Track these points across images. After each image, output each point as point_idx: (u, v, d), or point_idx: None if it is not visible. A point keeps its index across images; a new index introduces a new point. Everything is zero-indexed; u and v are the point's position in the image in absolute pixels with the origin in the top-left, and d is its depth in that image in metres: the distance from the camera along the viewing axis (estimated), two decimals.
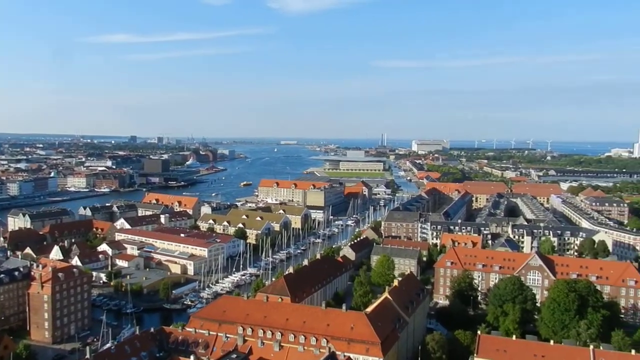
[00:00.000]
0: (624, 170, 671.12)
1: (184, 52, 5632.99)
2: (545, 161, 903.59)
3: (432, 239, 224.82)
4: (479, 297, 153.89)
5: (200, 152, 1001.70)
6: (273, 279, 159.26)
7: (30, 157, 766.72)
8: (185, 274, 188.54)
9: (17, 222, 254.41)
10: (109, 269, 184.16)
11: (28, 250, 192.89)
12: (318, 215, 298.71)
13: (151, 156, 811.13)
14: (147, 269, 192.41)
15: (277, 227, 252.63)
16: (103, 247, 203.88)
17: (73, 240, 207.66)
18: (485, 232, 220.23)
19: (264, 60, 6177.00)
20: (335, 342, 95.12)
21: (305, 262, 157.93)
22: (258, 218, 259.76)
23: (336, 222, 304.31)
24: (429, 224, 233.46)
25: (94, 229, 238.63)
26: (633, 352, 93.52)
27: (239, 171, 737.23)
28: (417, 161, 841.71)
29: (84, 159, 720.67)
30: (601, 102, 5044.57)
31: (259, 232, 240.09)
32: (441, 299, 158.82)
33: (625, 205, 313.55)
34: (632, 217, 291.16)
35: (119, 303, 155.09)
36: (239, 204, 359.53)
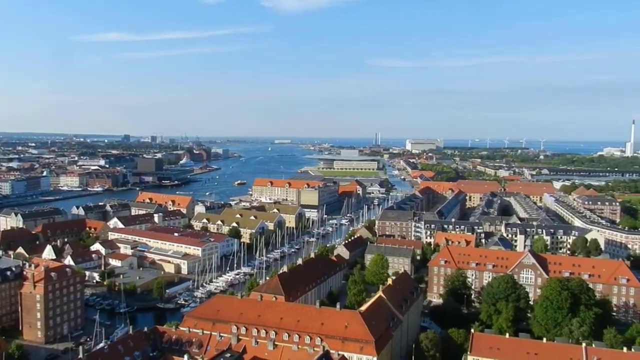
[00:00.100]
0: (616, 169, 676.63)
1: (178, 51, 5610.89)
2: (539, 160, 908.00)
3: (426, 237, 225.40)
4: (473, 296, 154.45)
5: (194, 151, 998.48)
6: (267, 278, 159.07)
7: (22, 156, 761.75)
8: (179, 273, 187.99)
9: (9, 221, 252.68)
10: (102, 268, 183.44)
11: (20, 249, 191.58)
12: (312, 214, 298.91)
13: (144, 155, 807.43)
14: (141, 269, 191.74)
15: (271, 226, 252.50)
16: (96, 246, 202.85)
17: (66, 240, 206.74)
18: (478, 230, 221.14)
19: (258, 60, 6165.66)
20: (329, 340, 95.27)
21: (300, 261, 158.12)
22: (252, 217, 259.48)
23: (330, 221, 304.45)
24: (422, 222, 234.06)
25: (87, 229, 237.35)
26: (625, 349, 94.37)
27: (233, 170, 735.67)
28: (411, 160, 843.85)
29: (76, 158, 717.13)
30: (595, 101, 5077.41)
31: (253, 231, 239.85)
32: (435, 298, 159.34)
33: (617, 203, 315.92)
34: (624, 216, 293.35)
35: (112, 302, 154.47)
36: (232, 203, 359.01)
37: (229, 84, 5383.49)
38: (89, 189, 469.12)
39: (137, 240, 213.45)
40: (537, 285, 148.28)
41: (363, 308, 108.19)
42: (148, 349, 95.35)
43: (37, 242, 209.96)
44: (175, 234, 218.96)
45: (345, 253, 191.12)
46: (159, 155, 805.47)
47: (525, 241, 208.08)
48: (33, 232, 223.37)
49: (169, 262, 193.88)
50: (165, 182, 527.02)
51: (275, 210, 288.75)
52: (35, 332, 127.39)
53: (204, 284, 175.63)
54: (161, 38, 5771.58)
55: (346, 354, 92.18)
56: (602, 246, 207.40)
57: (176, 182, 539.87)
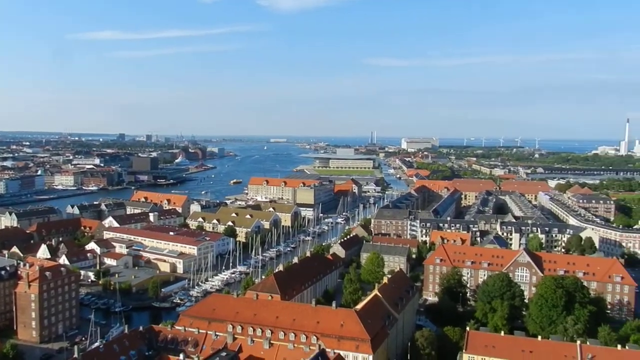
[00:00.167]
0: (610, 167, 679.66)
1: (174, 50, 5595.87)
2: (534, 159, 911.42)
3: (422, 236, 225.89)
4: (468, 294, 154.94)
5: (190, 150, 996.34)
6: (263, 277, 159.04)
7: (16, 155, 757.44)
8: (174, 272, 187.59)
9: (3, 220, 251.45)
10: (97, 267, 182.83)
11: (15, 249, 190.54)
12: (308, 213, 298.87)
13: (140, 154, 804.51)
14: (136, 268, 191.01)
15: (266, 225, 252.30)
16: (91, 245, 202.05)
17: (61, 239, 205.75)
18: (474, 229, 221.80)
19: (254, 58, 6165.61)
20: (325, 339, 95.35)
21: (295, 260, 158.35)
22: (248, 216, 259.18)
23: (326, 220, 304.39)
24: (418, 221, 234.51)
25: (82, 228, 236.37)
26: (619, 347, 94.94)
27: (229, 169, 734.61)
28: (407, 159, 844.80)
29: (71, 157, 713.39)
30: (589, 100, 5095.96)
31: (249, 230, 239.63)
32: (430, 296, 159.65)
33: (612, 202, 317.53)
34: (618, 214, 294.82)
35: (107, 302, 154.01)
36: (228, 202, 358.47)
37: (224, 82, 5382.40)
38: (83, 188, 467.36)
39: (132, 240, 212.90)
40: (532, 284, 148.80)
41: (359, 306, 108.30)
42: (143, 348, 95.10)
43: (32, 242, 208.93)
44: (171, 233, 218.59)
45: (341, 252, 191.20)
46: (154, 154, 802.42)
47: (520, 239, 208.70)
48: (27, 232, 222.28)
49: (165, 261, 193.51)
50: (161, 181, 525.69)
51: (271, 209, 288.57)
52: (29, 332, 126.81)
53: (200, 283, 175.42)
54: (157, 37, 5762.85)
55: (342, 353, 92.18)
56: (597, 244, 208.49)
57: (171, 181, 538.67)
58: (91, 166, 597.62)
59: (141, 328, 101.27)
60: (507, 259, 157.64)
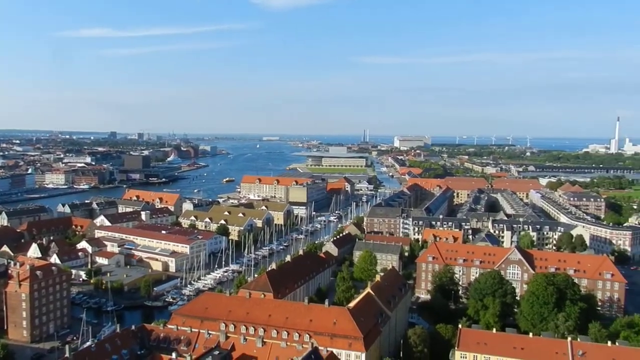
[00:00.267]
0: (600, 165, 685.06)
1: (165, 48, 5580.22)
2: (525, 157, 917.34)
3: (414, 234, 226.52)
4: (460, 292, 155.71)
5: (182, 148, 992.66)
6: (255, 275, 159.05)
7: (6, 153, 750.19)
8: (166, 271, 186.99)
9: None
10: (89, 266, 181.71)
11: (5, 248, 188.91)
12: (300, 212, 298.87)
13: (131, 152, 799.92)
14: (128, 266, 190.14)
15: (259, 223, 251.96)
16: (82, 244, 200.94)
17: (52, 238, 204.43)
18: (466, 227, 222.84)
19: (246, 57, 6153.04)
20: (318, 337, 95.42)
21: (288, 258, 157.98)
22: (240, 214, 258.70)
23: (319, 218, 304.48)
24: (410, 219, 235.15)
25: (73, 226, 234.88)
26: (609, 343, 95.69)
27: (221, 167, 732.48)
28: (399, 157, 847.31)
29: (62, 155, 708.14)
30: (580, 99, 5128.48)
31: (241, 228, 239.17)
32: (423, 294, 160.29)
33: (602, 200, 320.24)
34: (609, 212, 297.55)
35: (99, 301, 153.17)
36: (221, 200, 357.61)
37: (217, 80, 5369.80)
38: (75, 186, 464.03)
39: (124, 238, 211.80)
40: (523, 281, 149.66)
41: (351, 304, 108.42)
42: (136, 347, 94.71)
43: (22, 241, 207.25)
44: (163, 232, 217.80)
45: (333, 250, 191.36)
46: (146, 153, 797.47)
47: (511, 237, 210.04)
48: (18, 230, 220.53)
49: (157, 259, 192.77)
50: (153, 180, 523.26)
51: (264, 208, 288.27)
52: (20, 332, 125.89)
53: (192, 281, 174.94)
54: (148, 34, 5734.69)
55: (335, 351, 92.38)
56: (587, 242, 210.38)
57: (163, 179, 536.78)
58: (82, 165, 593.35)
59: (133, 327, 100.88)
60: (499, 256, 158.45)
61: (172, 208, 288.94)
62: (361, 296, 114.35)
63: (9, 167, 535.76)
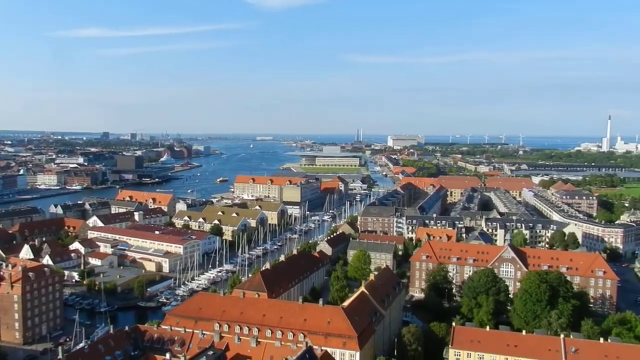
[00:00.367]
0: (592, 164, 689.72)
1: (159, 48, 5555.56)
2: (518, 156, 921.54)
3: (408, 233, 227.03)
4: (454, 290, 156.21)
5: (175, 148, 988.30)
6: (249, 275, 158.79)
7: None
8: (160, 272, 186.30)
9: None
10: (82, 267, 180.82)
11: None
12: (294, 211, 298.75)
13: (124, 153, 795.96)
14: (121, 267, 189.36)
15: (253, 223, 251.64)
16: (75, 245, 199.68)
17: (44, 239, 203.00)
18: (459, 225, 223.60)
19: (241, 57, 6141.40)
20: (312, 336, 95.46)
21: (282, 258, 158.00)
22: (234, 214, 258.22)
23: (313, 218, 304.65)
24: (404, 218, 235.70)
25: (66, 227, 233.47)
26: (601, 340, 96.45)
27: (215, 167, 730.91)
28: (393, 156, 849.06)
29: (54, 156, 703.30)
30: (572, 98, 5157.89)
31: (235, 228, 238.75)
32: (417, 292, 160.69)
33: (594, 198, 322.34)
34: (601, 210, 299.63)
35: (92, 302, 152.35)
36: (214, 200, 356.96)
37: (210, 80, 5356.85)
38: (67, 187, 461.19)
39: (117, 239, 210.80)
40: (516, 279, 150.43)
41: (346, 303, 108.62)
42: (129, 348, 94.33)
43: (14, 242, 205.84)
44: (156, 232, 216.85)
45: (327, 249, 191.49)
46: (139, 153, 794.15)
47: (505, 235, 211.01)
48: (10, 232, 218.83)
49: (150, 260, 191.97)
50: (146, 180, 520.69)
51: (258, 207, 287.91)
52: (13, 333, 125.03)
53: (186, 282, 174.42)
54: (142, 34, 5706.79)
55: (329, 350, 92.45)
56: (580, 239, 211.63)
57: (157, 179, 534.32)
58: (75, 165, 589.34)
59: (127, 328, 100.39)
60: (492, 254, 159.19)
61: (165, 208, 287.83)
62: (355, 295, 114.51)
63: (0, 168, 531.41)
